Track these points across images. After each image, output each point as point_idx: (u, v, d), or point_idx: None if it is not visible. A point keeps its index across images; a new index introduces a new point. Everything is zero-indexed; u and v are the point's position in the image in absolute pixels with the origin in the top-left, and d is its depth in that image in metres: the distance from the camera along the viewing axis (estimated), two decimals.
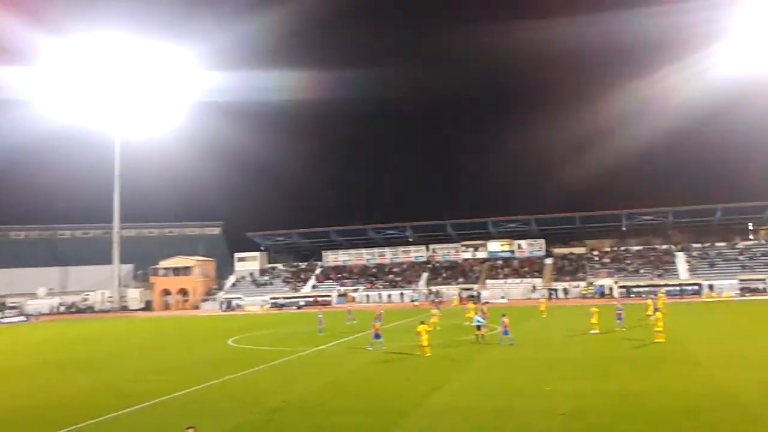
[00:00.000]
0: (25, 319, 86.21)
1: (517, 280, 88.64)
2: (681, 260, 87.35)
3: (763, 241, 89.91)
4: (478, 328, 36.65)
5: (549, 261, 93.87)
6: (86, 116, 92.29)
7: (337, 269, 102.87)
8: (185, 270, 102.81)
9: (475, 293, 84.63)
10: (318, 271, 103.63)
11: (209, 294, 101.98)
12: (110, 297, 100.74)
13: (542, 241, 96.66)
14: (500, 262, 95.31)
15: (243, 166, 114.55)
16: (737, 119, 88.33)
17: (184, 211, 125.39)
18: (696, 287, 76.97)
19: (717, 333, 37.99)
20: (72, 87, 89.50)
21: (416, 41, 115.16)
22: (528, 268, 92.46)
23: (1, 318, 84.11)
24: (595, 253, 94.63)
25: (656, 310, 38.55)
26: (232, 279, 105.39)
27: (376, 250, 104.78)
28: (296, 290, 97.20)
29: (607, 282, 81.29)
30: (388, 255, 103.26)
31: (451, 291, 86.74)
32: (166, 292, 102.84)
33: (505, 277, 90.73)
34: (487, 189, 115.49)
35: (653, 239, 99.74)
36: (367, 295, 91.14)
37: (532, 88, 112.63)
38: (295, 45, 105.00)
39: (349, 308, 61.37)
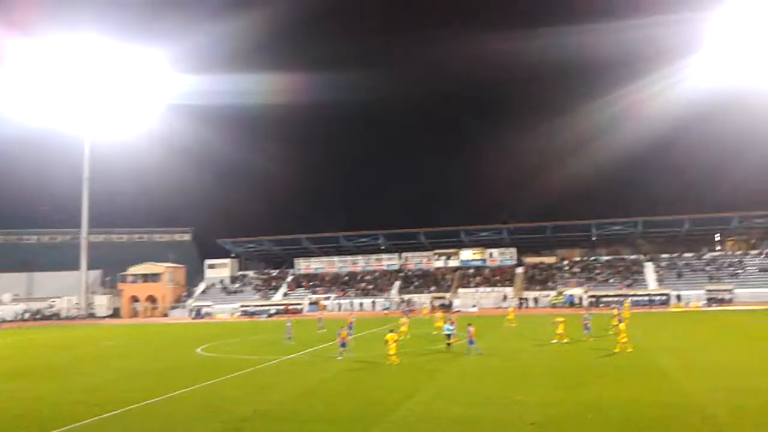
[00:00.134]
0: None
1: (489, 289, 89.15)
2: (649, 270, 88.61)
3: (730, 252, 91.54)
4: (448, 336, 36.69)
5: (520, 270, 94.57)
6: (55, 119, 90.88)
7: (309, 277, 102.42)
8: (154, 277, 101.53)
9: (447, 302, 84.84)
10: (289, 278, 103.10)
11: (178, 301, 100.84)
12: (77, 304, 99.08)
13: (513, 250, 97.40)
14: (472, 270, 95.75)
15: (214, 171, 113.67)
16: (706, 131, 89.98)
17: (154, 216, 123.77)
18: (664, 297, 78.02)
19: (683, 343, 38.45)
20: (40, 89, 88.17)
21: (391, 47, 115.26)
22: (499, 276, 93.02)
23: None
24: (566, 262, 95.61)
25: (620, 320, 38.61)
26: (202, 286, 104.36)
27: (348, 258, 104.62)
28: (267, 298, 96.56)
29: (576, 291, 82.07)
30: (360, 263, 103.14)
31: (423, 299, 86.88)
32: (135, 299, 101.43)
33: (477, 285, 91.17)
34: (459, 197, 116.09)
35: (622, 249, 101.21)
36: (339, 304, 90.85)
37: (505, 99, 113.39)
38: (268, 48, 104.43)
39: (320, 316, 61.08)
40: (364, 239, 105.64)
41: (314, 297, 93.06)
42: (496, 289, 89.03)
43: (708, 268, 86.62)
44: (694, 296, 76.61)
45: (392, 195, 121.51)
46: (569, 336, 38.58)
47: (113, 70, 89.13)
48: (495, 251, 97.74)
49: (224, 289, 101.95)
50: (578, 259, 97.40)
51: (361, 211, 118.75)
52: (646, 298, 78.31)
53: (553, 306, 78.45)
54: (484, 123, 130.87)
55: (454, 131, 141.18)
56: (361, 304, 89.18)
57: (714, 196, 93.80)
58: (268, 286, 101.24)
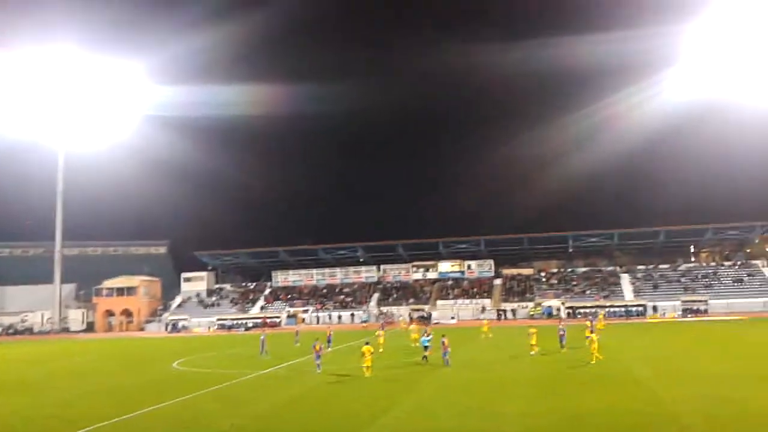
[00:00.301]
0: None
1: (467, 301, 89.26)
2: (626, 282, 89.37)
3: (704, 264, 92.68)
4: (425, 348, 36.62)
5: (498, 282, 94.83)
6: (28, 130, 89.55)
7: (287, 290, 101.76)
8: (129, 290, 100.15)
9: (425, 314, 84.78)
10: (267, 291, 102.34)
11: (154, 315, 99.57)
12: (50, 318, 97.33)
13: (491, 262, 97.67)
14: (450, 282, 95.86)
15: (191, 183, 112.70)
16: (681, 144, 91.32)
17: (129, 228, 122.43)
18: (641, 308, 78.62)
19: (659, 353, 38.76)
20: (14, 100, 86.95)
21: (369, 60, 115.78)
22: (477, 288, 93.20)
23: None
24: (543, 274, 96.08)
25: (593, 330, 38.70)
26: (178, 299, 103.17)
27: (326, 270, 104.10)
28: (245, 311, 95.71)
29: (554, 303, 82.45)
30: (338, 275, 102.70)
31: (401, 312, 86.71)
32: (110, 313, 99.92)
33: (455, 297, 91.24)
34: (437, 209, 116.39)
35: (599, 261, 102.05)
36: (317, 316, 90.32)
37: (482, 112, 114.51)
38: (245, 59, 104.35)
39: (297, 330, 60.62)
40: (342, 251, 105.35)
41: (292, 310, 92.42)
42: (474, 300, 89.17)
43: (683, 279, 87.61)
44: (670, 307, 77.33)
45: (371, 207, 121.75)
46: (545, 347, 38.66)
47: (89, 81, 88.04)
48: (473, 263, 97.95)
49: (201, 302, 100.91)
50: (555, 270, 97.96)
51: (339, 223, 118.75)
52: (623, 309, 78.85)
53: (531, 317, 78.72)
54: (461, 135, 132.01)
55: (431, 144, 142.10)
56: (339, 317, 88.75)
57: (689, 208, 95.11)
58: (246, 299, 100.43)
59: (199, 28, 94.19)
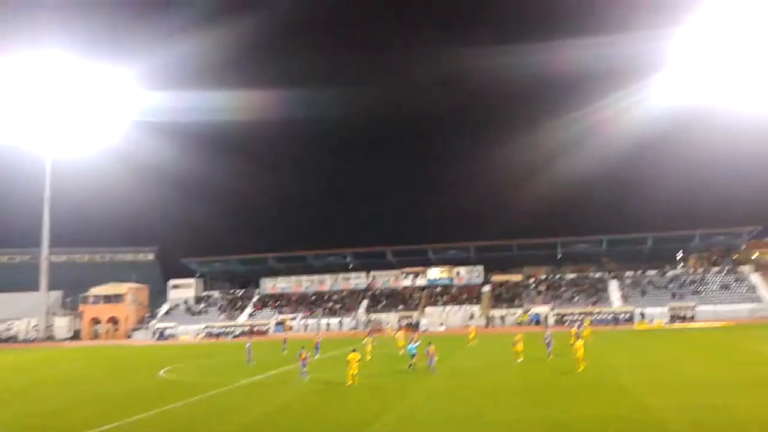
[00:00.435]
0: None
1: (456, 308, 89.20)
2: (614, 288, 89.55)
3: (692, 270, 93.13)
4: (413, 356, 36.56)
5: (487, 288, 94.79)
6: (14, 135, 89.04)
7: (275, 297, 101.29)
8: (116, 297, 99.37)
9: (414, 321, 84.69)
10: (255, 298, 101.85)
11: (141, 322, 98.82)
12: (36, 326, 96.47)
13: (480, 268, 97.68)
14: (439, 289, 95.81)
15: (179, 189, 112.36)
16: (669, 150, 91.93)
17: (117, 235, 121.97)
18: (629, 315, 78.82)
19: (646, 360, 38.84)
20: (1, 105, 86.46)
21: (358, 64, 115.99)
22: (466, 295, 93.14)
23: None
24: (532, 280, 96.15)
25: (578, 337, 38.71)
26: (165, 307, 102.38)
27: (315, 277, 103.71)
28: (233, 319, 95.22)
29: (543, 309, 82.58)
30: (327, 282, 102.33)
31: (390, 318, 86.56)
32: (96, 321, 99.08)
33: (444, 304, 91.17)
34: (426, 216, 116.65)
35: (587, 267, 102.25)
36: (306, 324, 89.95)
37: (471, 118, 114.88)
38: (234, 65, 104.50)
39: (285, 337, 60.30)
40: (331, 258, 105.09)
41: (281, 317, 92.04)
42: (463, 307, 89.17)
43: (671, 285, 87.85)
44: (658, 313, 77.50)
45: (361, 212, 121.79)
46: (531, 354, 38.68)
47: (77, 86, 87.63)
48: (462, 269, 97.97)
49: (188, 309, 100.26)
50: (544, 277, 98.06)
51: (329, 228, 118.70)
52: (611, 316, 79.07)
53: (520, 324, 78.78)
54: (451, 141, 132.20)
55: (420, 150, 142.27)
56: (328, 324, 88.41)
57: (676, 214, 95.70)
58: (234, 307, 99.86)
59: (188, 32, 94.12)
